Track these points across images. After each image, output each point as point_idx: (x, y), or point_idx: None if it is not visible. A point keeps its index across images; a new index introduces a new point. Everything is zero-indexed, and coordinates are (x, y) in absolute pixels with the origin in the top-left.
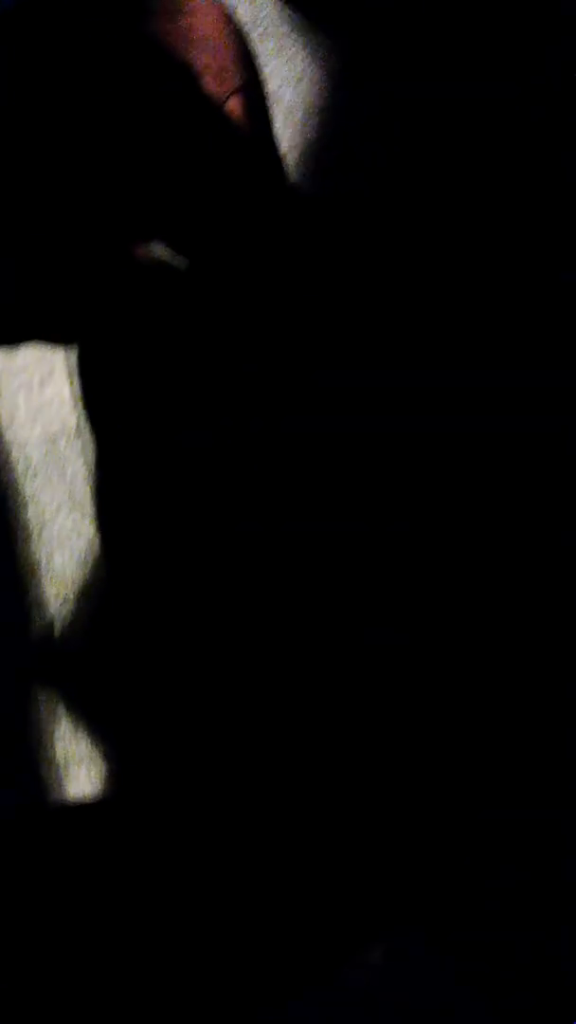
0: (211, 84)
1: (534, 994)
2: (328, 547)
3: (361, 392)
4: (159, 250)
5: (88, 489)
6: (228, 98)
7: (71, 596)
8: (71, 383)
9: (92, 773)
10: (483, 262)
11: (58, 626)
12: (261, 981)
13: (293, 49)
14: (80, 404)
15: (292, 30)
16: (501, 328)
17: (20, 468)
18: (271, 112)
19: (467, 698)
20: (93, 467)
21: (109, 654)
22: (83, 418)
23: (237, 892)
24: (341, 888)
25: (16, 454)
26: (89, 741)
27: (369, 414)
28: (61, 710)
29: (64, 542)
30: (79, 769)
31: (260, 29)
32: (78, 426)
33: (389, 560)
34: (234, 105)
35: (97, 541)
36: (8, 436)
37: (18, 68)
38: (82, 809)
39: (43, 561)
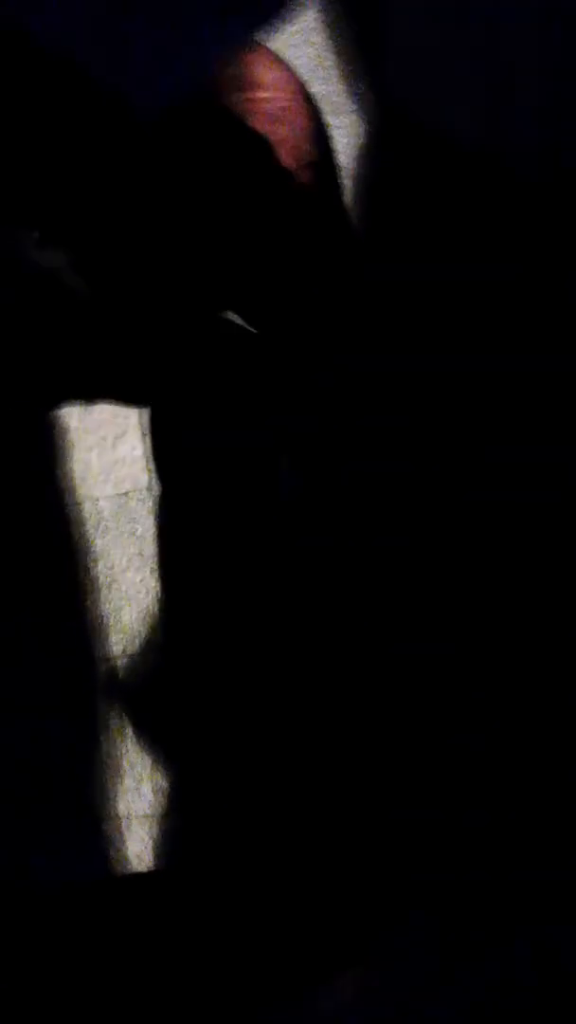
0: (287, 157)
1: None
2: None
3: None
4: (233, 318)
5: (156, 547)
6: (302, 171)
7: (137, 651)
8: (144, 442)
9: (153, 830)
10: None
11: (122, 680)
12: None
13: (364, 126)
14: (151, 463)
15: (361, 108)
16: None
17: (92, 523)
18: (342, 185)
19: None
20: (162, 525)
21: (173, 710)
22: (154, 477)
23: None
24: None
25: (88, 509)
26: (152, 799)
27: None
28: (125, 766)
29: (132, 597)
30: (141, 827)
31: (333, 104)
32: (149, 485)
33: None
34: (307, 178)
35: (163, 598)
36: (82, 491)
37: None
38: (128, 883)
39: (111, 615)
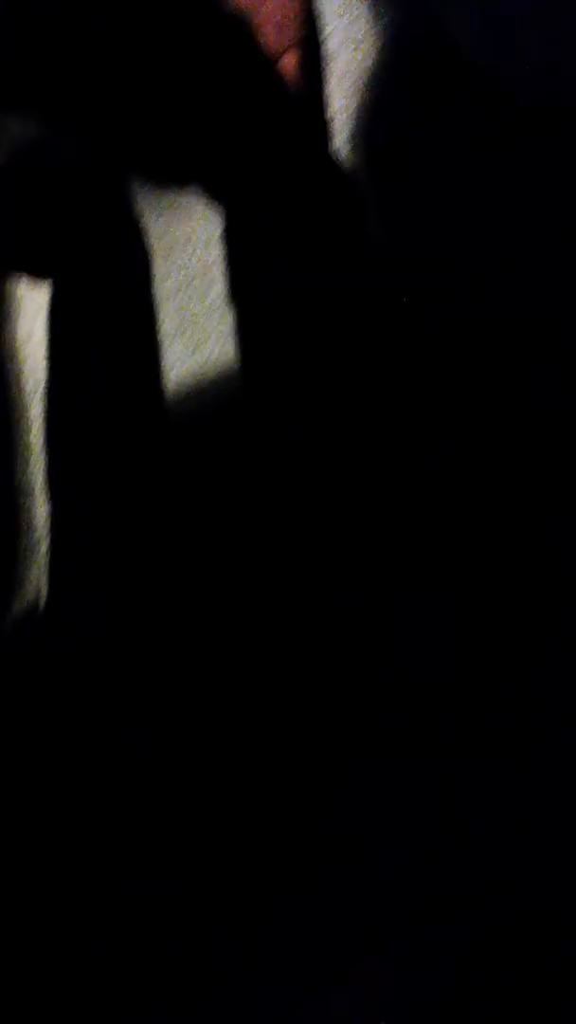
0: (270, 35)
1: None
2: None
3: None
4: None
5: None
6: (285, 52)
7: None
8: None
9: None
10: None
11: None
12: None
13: (356, 12)
14: None
15: None
16: None
17: (29, 390)
18: (325, 72)
19: None
20: None
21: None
22: None
23: None
24: None
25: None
26: None
27: None
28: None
29: None
30: None
31: None
32: None
33: None
34: (288, 60)
35: None
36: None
37: None
38: None
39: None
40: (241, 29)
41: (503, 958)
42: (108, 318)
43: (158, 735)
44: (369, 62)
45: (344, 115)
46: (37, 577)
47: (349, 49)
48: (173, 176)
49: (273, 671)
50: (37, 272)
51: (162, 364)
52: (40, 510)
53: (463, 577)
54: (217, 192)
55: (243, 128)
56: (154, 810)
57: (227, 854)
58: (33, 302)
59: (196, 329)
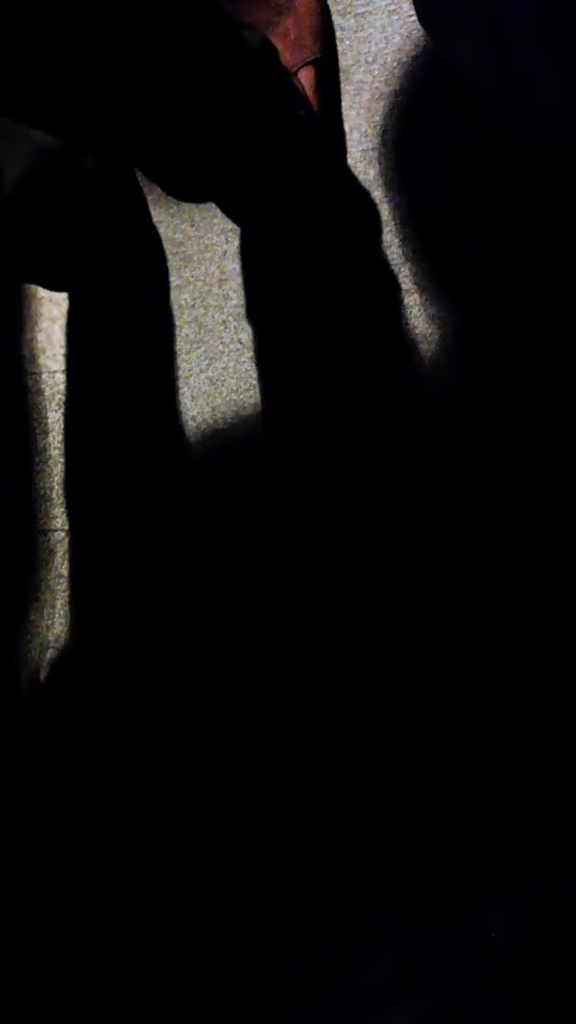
0: (286, 52)
1: None
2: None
3: None
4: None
5: None
6: (301, 67)
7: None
8: None
9: None
10: None
11: (60, 554)
12: None
13: (371, 31)
14: None
15: (373, 11)
16: None
17: (47, 396)
18: (340, 89)
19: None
20: None
21: (107, 581)
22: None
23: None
24: None
25: (45, 381)
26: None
27: None
28: (47, 634)
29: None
30: None
31: (343, 4)
32: None
33: None
34: (305, 76)
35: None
36: (40, 362)
37: None
38: None
39: (55, 489)
40: (259, 45)
41: None
42: (125, 327)
43: None
44: (383, 79)
45: (359, 131)
46: (55, 581)
47: (363, 66)
48: (191, 189)
49: None
50: (54, 285)
51: (178, 373)
52: (57, 515)
53: None
54: (235, 205)
55: (261, 142)
56: None
57: None
58: (52, 310)
59: (213, 340)
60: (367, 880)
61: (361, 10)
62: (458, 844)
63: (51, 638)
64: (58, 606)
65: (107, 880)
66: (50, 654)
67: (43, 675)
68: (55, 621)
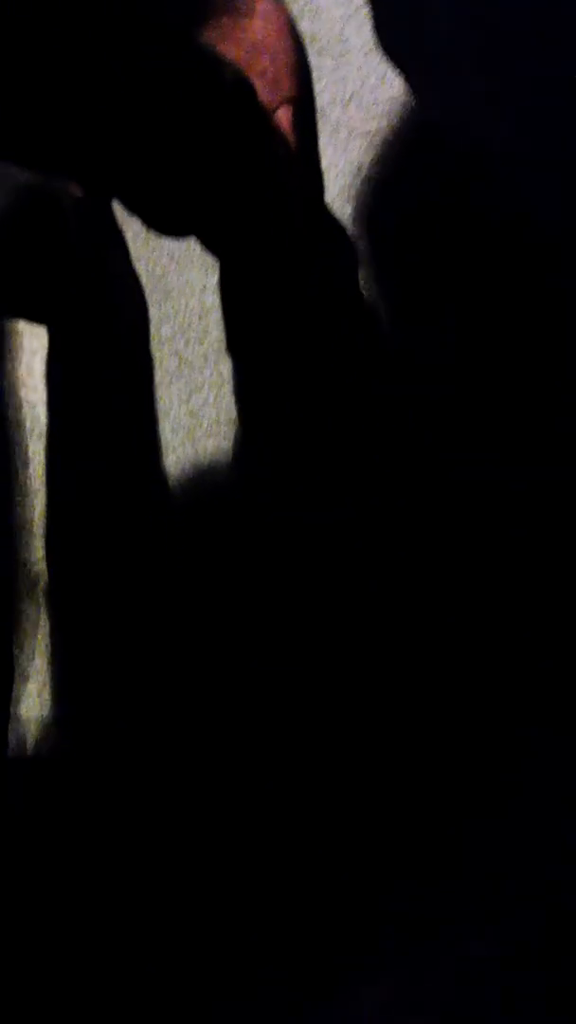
0: (264, 90)
1: None
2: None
3: None
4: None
5: None
6: (278, 107)
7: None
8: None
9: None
10: None
11: (41, 585)
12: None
13: (347, 70)
14: None
15: (349, 51)
16: None
17: (27, 427)
18: (317, 127)
19: None
20: None
21: (89, 616)
22: None
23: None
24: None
25: (26, 413)
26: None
27: None
28: (31, 671)
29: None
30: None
31: (319, 44)
32: None
33: None
34: (283, 115)
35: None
36: (20, 395)
37: None
38: None
39: (35, 521)
40: (237, 81)
41: None
42: (106, 360)
43: None
44: (359, 117)
45: (336, 168)
46: (35, 613)
47: (339, 105)
48: (172, 224)
49: None
50: (35, 318)
51: (159, 406)
52: (38, 547)
53: None
54: (214, 241)
55: (240, 179)
56: None
57: None
58: (32, 342)
59: (194, 373)
60: (348, 905)
61: (337, 50)
62: (436, 868)
63: (31, 670)
64: (39, 637)
65: (85, 905)
66: (30, 686)
67: (22, 707)
68: (35, 652)
